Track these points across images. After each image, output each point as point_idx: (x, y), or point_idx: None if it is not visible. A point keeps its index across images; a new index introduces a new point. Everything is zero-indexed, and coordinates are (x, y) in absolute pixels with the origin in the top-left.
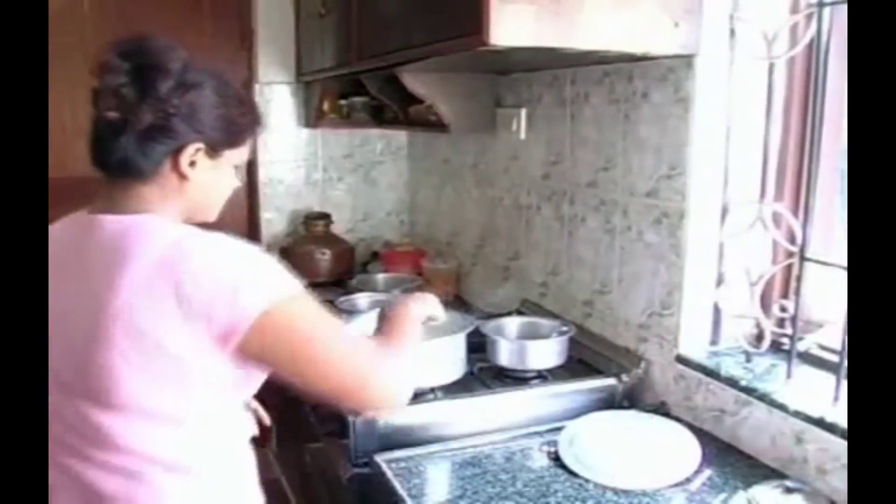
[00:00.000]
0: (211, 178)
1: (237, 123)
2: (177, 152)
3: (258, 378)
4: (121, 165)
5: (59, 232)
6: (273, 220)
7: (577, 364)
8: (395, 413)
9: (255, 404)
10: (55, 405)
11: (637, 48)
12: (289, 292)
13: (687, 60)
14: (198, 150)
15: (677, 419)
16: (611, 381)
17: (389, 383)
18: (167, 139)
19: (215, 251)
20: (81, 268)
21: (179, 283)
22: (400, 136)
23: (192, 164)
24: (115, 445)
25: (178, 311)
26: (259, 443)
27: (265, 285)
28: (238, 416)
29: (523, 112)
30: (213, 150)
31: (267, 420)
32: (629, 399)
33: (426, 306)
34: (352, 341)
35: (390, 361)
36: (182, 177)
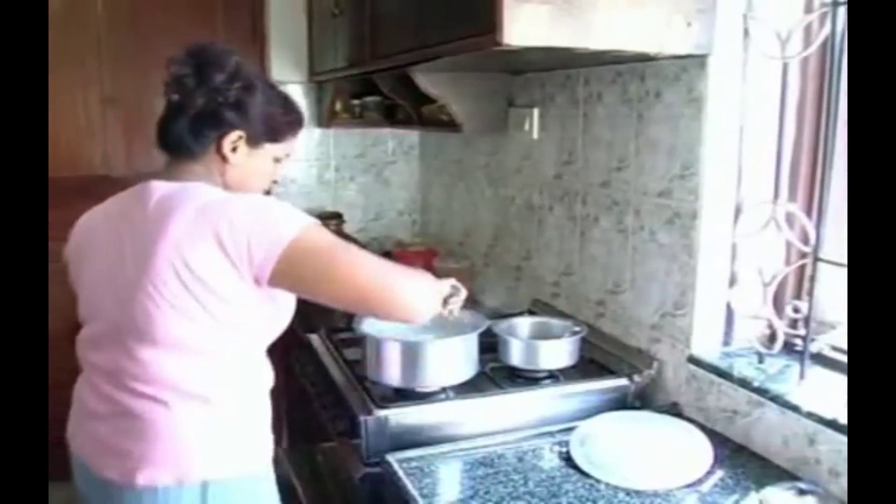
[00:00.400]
0: (248, 164)
1: (278, 121)
2: (221, 137)
3: (287, 314)
4: (176, 144)
5: (116, 201)
6: None
7: (589, 364)
8: (416, 323)
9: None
10: (107, 346)
11: (650, 48)
12: (306, 222)
13: (700, 60)
14: (239, 137)
15: (689, 420)
16: (623, 381)
17: (412, 293)
18: (215, 124)
19: (243, 202)
20: (132, 227)
21: (218, 230)
22: (412, 136)
23: (234, 149)
24: (150, 376)
25: (221, 254)
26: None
27: (287, 220)
28: (262, 361)
29: (536, 112)
30: (254, 140)
31: None
32: (641, 399)
33: (449, 282)
34: (372, 256)
35: (416, 278)
36: (224, 159)
